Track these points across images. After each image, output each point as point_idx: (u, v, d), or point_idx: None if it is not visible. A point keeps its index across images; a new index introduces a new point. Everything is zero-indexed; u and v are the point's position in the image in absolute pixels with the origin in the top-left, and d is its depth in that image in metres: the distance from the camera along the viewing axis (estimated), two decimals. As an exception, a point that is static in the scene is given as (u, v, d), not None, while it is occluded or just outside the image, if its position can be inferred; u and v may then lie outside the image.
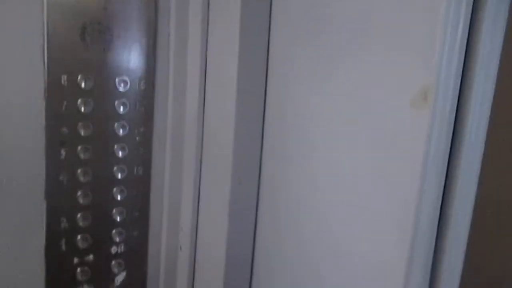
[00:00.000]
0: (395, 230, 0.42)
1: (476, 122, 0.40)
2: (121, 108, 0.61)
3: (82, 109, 0.57)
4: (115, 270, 0.63)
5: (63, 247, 0.58)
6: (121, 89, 0.60)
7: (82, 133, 0.58)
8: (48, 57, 0.54)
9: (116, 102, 0.60)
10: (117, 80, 0.60)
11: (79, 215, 0.59)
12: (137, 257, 0.66)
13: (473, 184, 0.42)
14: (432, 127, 0.39)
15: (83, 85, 0.57)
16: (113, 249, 0.63)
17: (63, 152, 0.56)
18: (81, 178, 0.58)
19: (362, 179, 0.46)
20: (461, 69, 0.39)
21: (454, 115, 0.40)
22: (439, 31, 0.38)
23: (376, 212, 0.44)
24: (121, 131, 0.61)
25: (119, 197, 0.62)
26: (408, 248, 0.41)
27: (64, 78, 0.56)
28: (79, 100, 0.57)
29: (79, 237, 0.59)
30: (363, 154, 0.45)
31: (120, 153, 0.61)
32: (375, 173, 0.44)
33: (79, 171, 0.58)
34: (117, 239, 0.63)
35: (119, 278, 0.64)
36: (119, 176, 0.61)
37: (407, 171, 0.41)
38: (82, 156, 0.58)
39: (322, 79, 0.51)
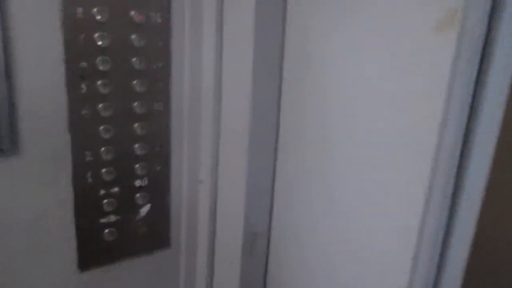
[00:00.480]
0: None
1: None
2: (138, 42, 0.60)
3: (100, 43, 0.57)
4: (140, 202, 0.66)
5: (89, 179, 0.60)
6: (137, 22, 0.59)
7: (101, 67, 0.58)
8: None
9: (133, 36, 0.59)
10: (132, 13, 0.59)
11: (102, 149, 0.61)
12: (160, 191, 0.68)
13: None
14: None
15: (99, 17, 0.56)
16: (137, 182, 0.65)
17: (83, 86, 0.57)
18: (102, 113, 0.59)
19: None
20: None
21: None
22: None
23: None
24: (139, 65, 0.61)
25: (139, 132, 0.63)
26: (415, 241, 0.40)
27: (79, 10, 0.55)
28: (96, 34, 0.57)
29: (103, 170, 0.61)
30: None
31: (139, 88, 0.61)
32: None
33: (100, 105, 0.59)
34: (140, 173, 0.65)
35: (144, 210, 0.67)
36: (139, 110, 0.62)
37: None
38: (102, 90, 0.58)
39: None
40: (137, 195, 0.66)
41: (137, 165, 0.64)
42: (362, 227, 0.47)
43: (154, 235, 0.68)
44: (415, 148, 0.40)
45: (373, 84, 0.44)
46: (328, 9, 0.50)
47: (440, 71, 0.38)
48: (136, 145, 0.64)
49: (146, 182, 0.66)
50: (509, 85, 0.40)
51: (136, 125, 0.63)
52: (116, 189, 0.63)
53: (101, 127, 0.60)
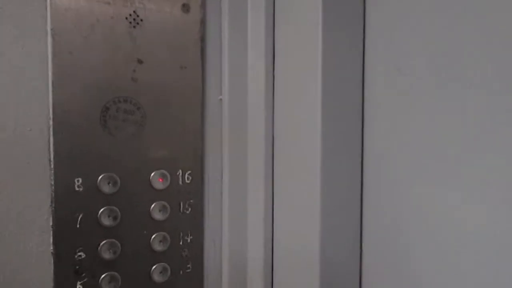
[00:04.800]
0: None
1: None
2: (160, 214, 0.43)
3: (106, 222, 0.41)
4: None
5: None
6: (158, 186, 0.43)
7: (107, 256, 0.41)
8: (55, 159, 0.39)
9: (153, 206, 0.43)
10: (152, 175, 0.43)
11: None
12: None
13: None
14: None
15: (105, 189, 0.41)
16: None
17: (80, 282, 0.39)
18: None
19: None
20: None
21: None
22: None
23: None
24: (160, 246, 0.43)
25: None
26: None
27: (78, 182, 0.40)
28: (101, 211, 0.41)
29: None
30: None
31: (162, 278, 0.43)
32: None
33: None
34: None
35: None
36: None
37: None
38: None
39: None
40: None
41: None
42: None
43: None
44: None
45: None
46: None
47: None
48: None
49: None
50: None
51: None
52: None
53: None
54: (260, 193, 0.46)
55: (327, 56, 0.38)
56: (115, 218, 0.41)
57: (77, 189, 0.40)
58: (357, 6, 0.40)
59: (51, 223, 0.39)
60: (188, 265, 0.46)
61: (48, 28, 0.38)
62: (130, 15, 0.42)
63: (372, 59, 0.40)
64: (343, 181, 0.40)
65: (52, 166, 0.39)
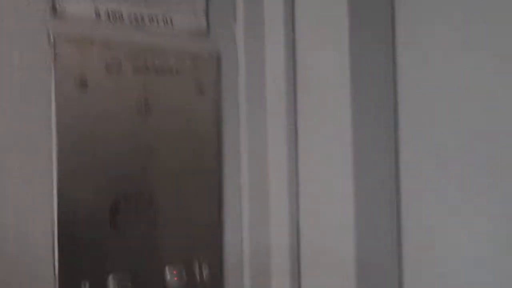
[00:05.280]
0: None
1: None
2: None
3: None
4: None
5: None
6: (173, 285, 0.40)
7: None
8: (59, 263, 0.36)
9: None
10: (166, 271, 0.40)
11: None
12: None
13: None
14: None
15: (113, 292, 0.38)
16: None
17: None
18: None
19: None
20: None
21: None
22: None
23: None
24: None
25: None
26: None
27: (85, 286, 0.37)
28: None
29: None
30: None
31: None
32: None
33: None
34: None
35: None
36: None
37: None
38: None
39: None
40: None
41: None
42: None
43: None
44: None
45: None
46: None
47: None
48: None
49: None
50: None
51: None
52: None
53: None
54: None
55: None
56: (125, 325, 0.38)
57: (83, 293, 0.37)
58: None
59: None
60: None
61: (53, 122, 0.36)
62: (140, 103, 0.40)
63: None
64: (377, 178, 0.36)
65: (56, 272, 0.36)
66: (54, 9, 0.37)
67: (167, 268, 0.40)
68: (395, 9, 0.40)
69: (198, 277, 0.41)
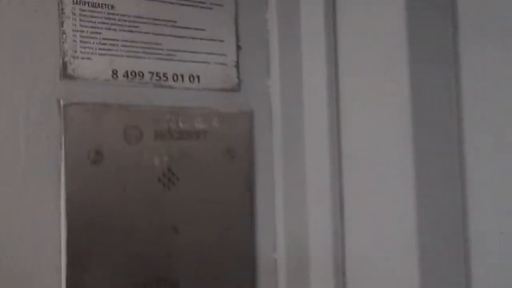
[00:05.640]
0: None
1: None
2: None
3: None
4: None
5: None
6: None
7: None
8: None
9: None
10: None
11: None
12: None
13: None
14: None
15: None
16: None
17: None
18: None
19: None
20: None
21: None
22: None
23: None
24: None
25: None
26: None
27: None
28: None
29: None
30: None
31: None
32: None
33: None
34: None
35: None
36: None
37: None
38: None
39: None
40: None
41: None
42: None
43: None
44: None
45: None
46: None
47: None
48: None
49: None
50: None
51: None
52: None
53: None
54: None
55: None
56: None
57: None
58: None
59: None
60: None
61: (62, 204, 0.31)
62: (164, 174, 0.34)
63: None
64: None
65: None
66: (64, 70, 0.32)
67: None
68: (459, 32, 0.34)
69: None
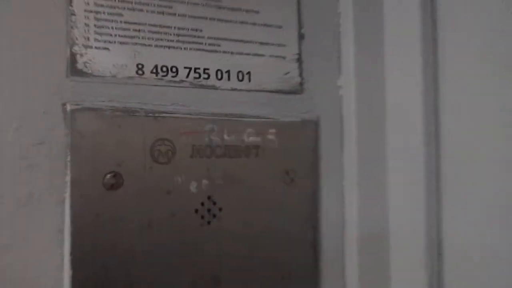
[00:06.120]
0: None
1: None
2: None
3: None
4: None
5: None
6: None
7: None
8: None
9: None
10: None
11: None
12: None
13: None
14: None
15: None
16: None
17: None
18: None
19: None
20: None
21: None
22: None
23: None
24: None
25: None
26: None
27: None
28: None
29: None
30: None
31: None
32: None
33: None
34: None
35: None
36: None
37: None
38: None
39: None
40: None
41: None
42: None
43: None
44: None
45: None
46: None
47: None
48: None
49: None
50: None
51: None
52: None
53: None
54: None
55: None
56: None
57: None
58: None
59: None
60: None
61: (66, 243, 0.23)
62: (202, 204, 0.26)
63: None
64: None
65: None
66: (73, 64, 0.23)
67: None
68: None
69: None
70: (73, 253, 0.23)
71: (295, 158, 0.28)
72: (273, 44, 0.28)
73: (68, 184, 0.23)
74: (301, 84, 0.29)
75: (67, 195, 0.23)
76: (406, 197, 0.28)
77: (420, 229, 0.27)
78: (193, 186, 0.25)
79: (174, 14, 0.26)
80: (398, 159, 0.29)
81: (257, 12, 0.28)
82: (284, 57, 0.28)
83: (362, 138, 0.29)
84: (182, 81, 0.26)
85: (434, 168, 0.28)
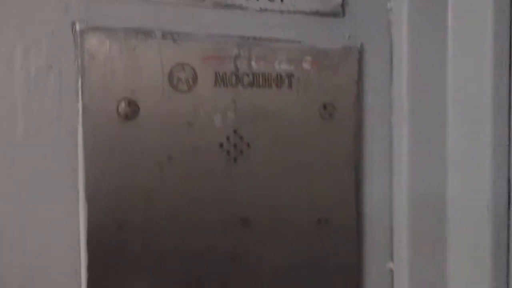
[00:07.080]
0: None
1: None
2: None
3: None
4: None
5: None
6: None
7: None
8: None
9: None
10: None
11: None
12: None
13: None
14: None
15: None
16: None
17: None
18: None
19: None
20: None
21: None
22: None
23: None
24: None
25: None
26: None
27: None
28: None
29: None
30: None
31: None
32: None
33: None
34: None
35: None
36: None
37: None
38: None
39: None
40: None
41: None
42: None
43: None
44: None
45: None
46: None
47: None
48: None
49: None
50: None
51: None
52: None
53: None
54: None
55: None
56: None
57: None
58: None
59: None
60: None
61: (80, 175, 0.21)
62: (228, 138, 0.23)
63: None
64: None
65: None
66: (84, -20, 0.21)
67: None
68: None
69: None
70: (87, 190, 0.21)
71: (335, 91, 0.25)
72: (310, -42, 0.24)
73: (80, 112, 0.21)
74: (342, 5, 0.25)
75: (79, 125, 0.21)
76: (470, 138, 0.24)
77: (486, 178, 0.24)
78: (217, 118, 0.23)
79: None
80: (461, 92, 0.25)
81: None
82: (323, -26, 0.25)
83: (416, 69, 0.25)
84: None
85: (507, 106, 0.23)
